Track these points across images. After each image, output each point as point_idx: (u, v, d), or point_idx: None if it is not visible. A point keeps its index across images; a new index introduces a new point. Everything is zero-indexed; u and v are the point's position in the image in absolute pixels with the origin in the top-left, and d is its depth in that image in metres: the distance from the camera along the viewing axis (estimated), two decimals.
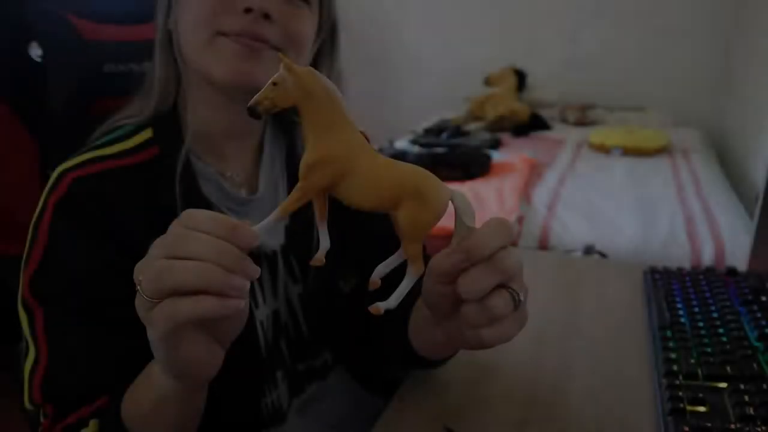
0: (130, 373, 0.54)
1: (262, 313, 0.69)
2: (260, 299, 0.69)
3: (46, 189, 0.60)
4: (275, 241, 0.71)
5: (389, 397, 0.68)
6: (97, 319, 0.58)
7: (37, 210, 0.59)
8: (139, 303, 0.41)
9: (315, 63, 0.71)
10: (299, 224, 0.72)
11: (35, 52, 0.75)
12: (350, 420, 0.78)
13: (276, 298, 0.71)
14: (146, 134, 0.64)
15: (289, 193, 0.73)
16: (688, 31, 3.40)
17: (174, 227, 0.41)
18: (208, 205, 0.65)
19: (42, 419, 0.57)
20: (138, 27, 0.80)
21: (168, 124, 0.65)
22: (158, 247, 0.41)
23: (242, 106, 0.66)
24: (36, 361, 0.56)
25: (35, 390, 0.56)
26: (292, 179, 0.74)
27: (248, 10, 0.60)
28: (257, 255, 0.70)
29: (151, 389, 0.49)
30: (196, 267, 0.38)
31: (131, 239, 0.59)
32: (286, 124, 0.76)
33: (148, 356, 0.56)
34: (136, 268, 0.42)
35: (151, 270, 0.40)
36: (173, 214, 0.62)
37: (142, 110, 0.66)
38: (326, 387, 0.76)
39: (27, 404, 0.58)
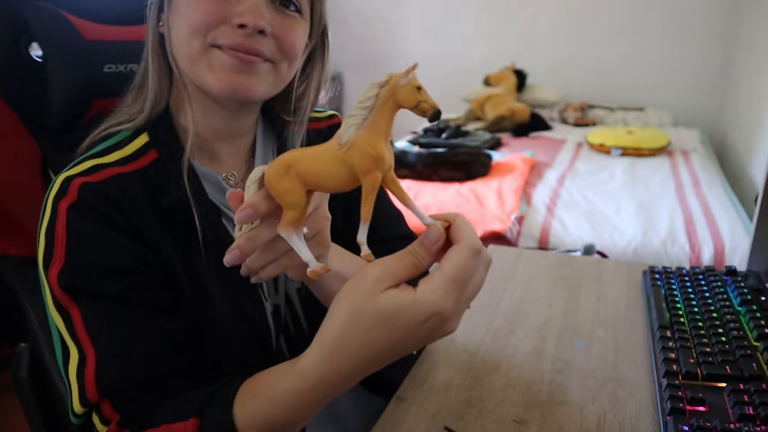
0: (180, 355, 0.58)
1: (268, 308, 0.70)
2: (266, 292, 0.70)
3: (52, 196, 0.58)
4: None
5: (389, 396, 0.68)
6: (136, 306, 0.57)
7: (46, 217, 0.58)
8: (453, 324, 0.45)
9: (305, 67, 0.71)
10: None
11: (36, 52, 0.75)
12: (350, 417, 0.78)
13: (276, 293, 0.72)
14: (142, 139, 0.64)
15: None
16: (688, 31, 3.40)
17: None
18: (213, 206, 0.65)
19: (100, 425, 0.54)
20: (138, 27, 0.79)
21: (163, 127, 0.65)
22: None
23: (235, 112, 0.67)
24: (82, 361, 0.55)
25: (89, 388, 0.54)
26: None
27: (242, 26, 0.59)
28: None
29: (299, 397, 0.46)
30: None
31: (147, 238, 0.59)
32: (276, 124, 0.75)
33: (192, 338, 0.60)
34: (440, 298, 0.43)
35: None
36: (186, 214, 0.61)
37: (134, 114, 0.65)
38: None
39: (78, 407, 0.55)
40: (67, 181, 0.59)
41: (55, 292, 0.56)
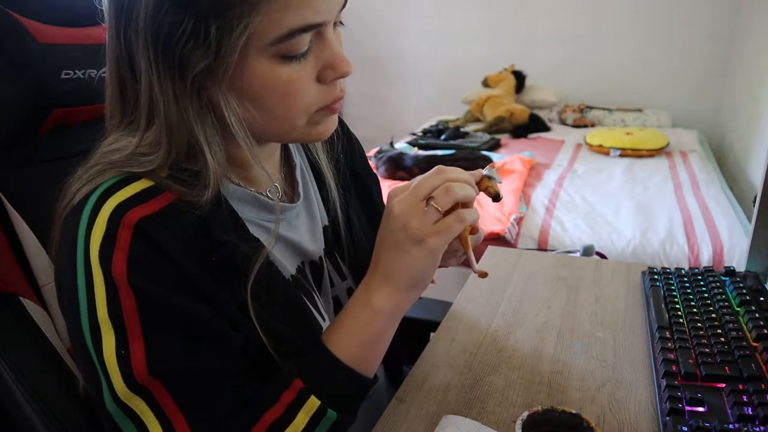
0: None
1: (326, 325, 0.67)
2: (322, 310, 0.68)
3: (94, 255, 0.51)
4: (317, 246, 0.70)
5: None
6: (220, 372, 0.54)
7: (99, 290, 0.51)
8: (429, 220, 0.55)
9: None
10: (332, 225, 0.73)
11: None
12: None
13: (328, 305, 0.71)
14: (163, 172, 0.57)
15: (321, 194, 0.74)
16: (687, 32, 3.41)
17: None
18: (256, 240, 0.60)
19: None
20: (96, 29, 0.68)
21: (186, 163, 0.57)
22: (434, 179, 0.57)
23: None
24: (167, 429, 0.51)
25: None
26: (319, 181, 0.74)
27: (342, 76, 0.57)
28: (303, 266, 0.68)
29: (371, 322, 0.59)
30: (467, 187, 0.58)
31: (203, 291, 0.55)
32: None
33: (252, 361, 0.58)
34: (419, 188, 0.57)
35: (442, 193, 0.56)
36: (233, 258, 0.56)
37: (148, 162, 0.56)
38: None
39: None
40: (111, 241, 0.51)
41: (138, 378, 0.50)
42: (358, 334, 0.59)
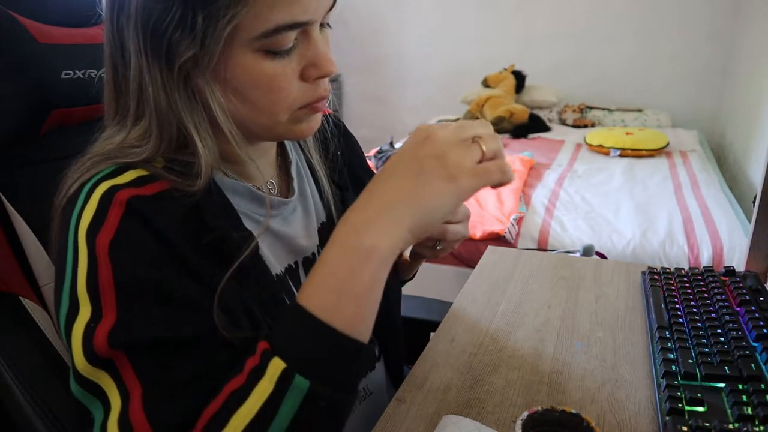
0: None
1: None
2: None
3: (83, 230, 0.51)
4: (311, 242, 0.71)
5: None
6: (193, 346, 0.51)
7: (81, 261, 0.51)
8: (471, 156, 0.50)
9: None
10: (328, 222, 0.73)
11: None
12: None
13: None
14: (158, 163, 0.57)
15: (318, 190, 0.74)
16: (687, 32, 3.41)
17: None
18: (249, 232, 0.60)
19: None
20: (96, 29, 0.72)
21: (178, 156, 0.58)
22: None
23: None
24: (125, 408, 0.48)
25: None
26: (316, 178, 0.75)
27: (324, 76, 0.58)
28: (296, 266, 0.68)
29: (371, 275, 0.48)
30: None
31: (193, 271, 0.54)
32: None
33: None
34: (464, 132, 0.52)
35: (489, 138, 0.51)
36: (222, 244, 0.56)
37: (141, 153, 0.56)
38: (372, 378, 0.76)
39: None
40: (112, 191, 0.52)
41: (97, 350, 0.48)
42: (337, 283, 0.48)
